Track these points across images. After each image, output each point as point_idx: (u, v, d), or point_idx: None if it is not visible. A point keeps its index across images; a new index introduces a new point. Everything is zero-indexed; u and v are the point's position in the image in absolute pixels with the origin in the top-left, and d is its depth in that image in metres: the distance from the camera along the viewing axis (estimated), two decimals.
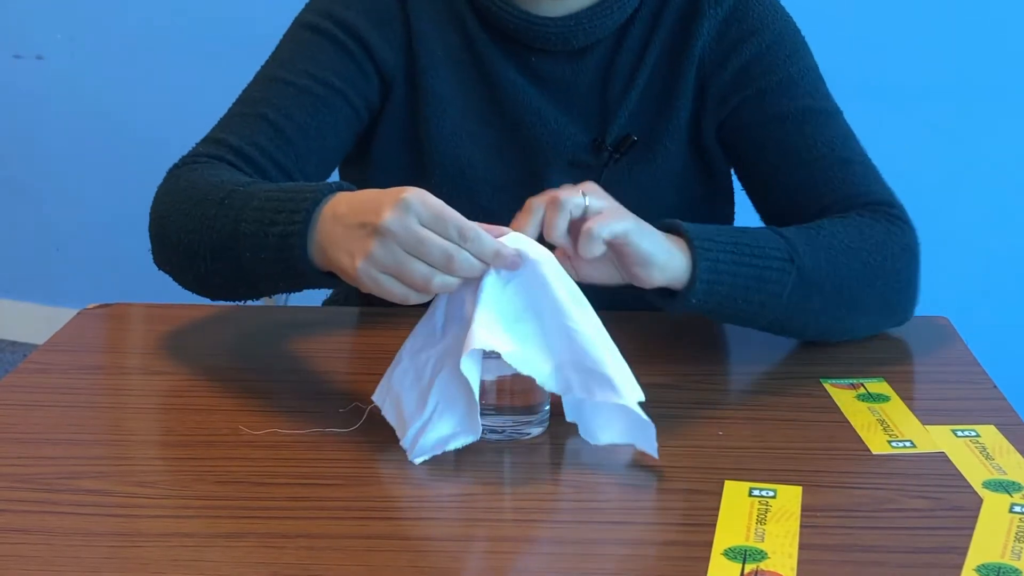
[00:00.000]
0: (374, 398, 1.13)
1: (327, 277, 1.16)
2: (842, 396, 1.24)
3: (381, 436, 1.10)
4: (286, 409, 1.17)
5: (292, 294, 1.42)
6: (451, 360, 1.09)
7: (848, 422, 1.18)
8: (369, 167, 1.47)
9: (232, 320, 1.43)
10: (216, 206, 1.22)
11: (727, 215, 1.54)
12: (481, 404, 1.11)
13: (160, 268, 1.31)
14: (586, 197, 1.13)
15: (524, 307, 1.09)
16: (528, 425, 1.14)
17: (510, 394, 1.13)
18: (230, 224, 1.20)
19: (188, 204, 1.25)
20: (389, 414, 1.12)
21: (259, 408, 1.18)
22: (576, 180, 1.36)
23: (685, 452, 1.11)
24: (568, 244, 1.14)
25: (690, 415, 1.13)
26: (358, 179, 1.48)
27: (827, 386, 1.26)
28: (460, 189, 1.33)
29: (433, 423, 1.07)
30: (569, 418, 1.14)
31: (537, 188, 1.37)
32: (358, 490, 1.05)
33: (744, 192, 1.48)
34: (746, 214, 1.51)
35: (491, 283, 1.08)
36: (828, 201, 1.36)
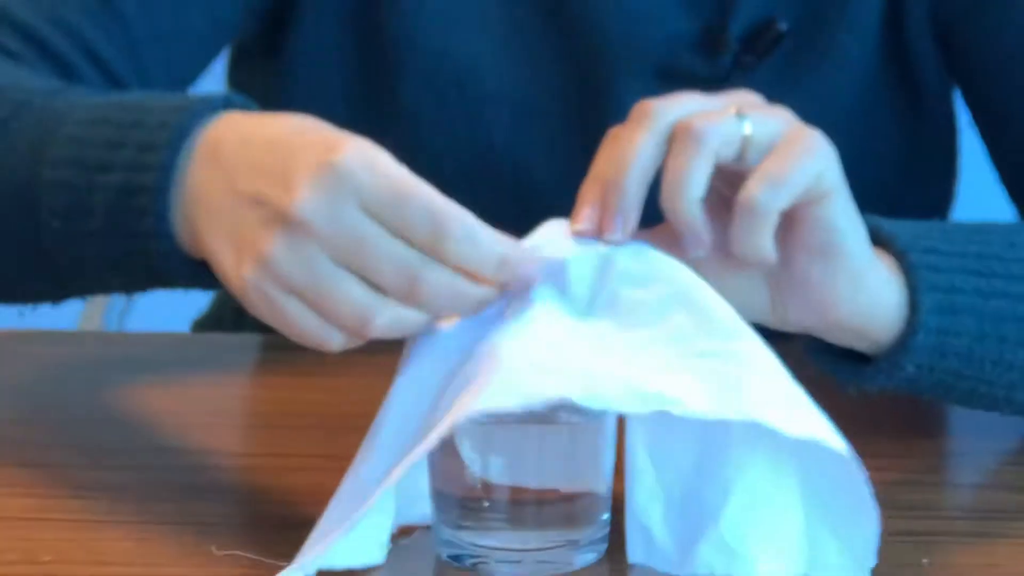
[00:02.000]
0: None
1: (197, 270, 0.86)
2: None
3: None
4: (121, 519, 0.87)
5: (128, 299, 1.23)
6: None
7: None
8: (283, 68, 1.17)
9: (27, 358, 1.15)
10: None
11: (944, 182, 1.22)
12: (486, 510, 0.82)
13: None
14: (745, 121, 0.79)
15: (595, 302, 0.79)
16: (571, 548, 0.81)
17: (538, 491, 0.82)
18: (22, 163, 0.91)
19: None
20: None
21: (75, 517, 0.88)
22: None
23: None
24: (700, 226, 0.81)
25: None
26: (260, 89, 1.17)
27: None
28: (453, 112, 1.06)
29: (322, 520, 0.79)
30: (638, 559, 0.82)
31: (596, 116, 1.08)
32: None
33: (977, 135, 1.16)
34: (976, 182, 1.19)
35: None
36: None
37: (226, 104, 0.85)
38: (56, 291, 0.96)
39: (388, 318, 0.77)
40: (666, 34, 1.10)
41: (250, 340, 1.21)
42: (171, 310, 1.29)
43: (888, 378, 0.86)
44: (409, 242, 0.76)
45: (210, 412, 1.06)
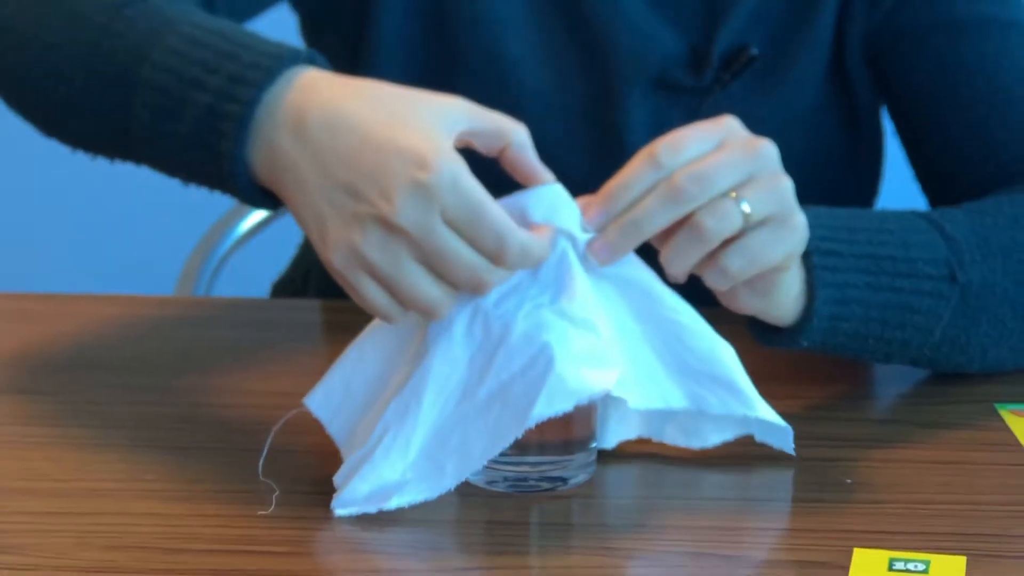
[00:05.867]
0: (307, 401, 0.94)
1: (258, 195, 0.93)
2: None
3: None
4: (210, 446, 0.99)
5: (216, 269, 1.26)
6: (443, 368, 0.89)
7: None
8: (365, 59, 1.21)
9: (133, 318, 1.24)
10: (109, 12, 0.96)
11: (872, 175, 1.29)
12: None
13: None
14: (744, 202, 0.89)
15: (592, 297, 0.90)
16: (566, 469, 0.91)
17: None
18: (127, 53, 0.95)
19: None
20: (337, 430, 0.94)
21: (172, 444, 1.00)
22: (663, 107, 1.17)
23: (798, 509, 0.93)
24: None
25: (805, 456, 0.96)
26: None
27: (1003, 413, 1.05)
28: (497, 102, 1.06)
29: (373, 461, 0.87)
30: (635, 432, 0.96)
31: (606, 114, 1.20)
32: (309, 561, 0.87)
33: (898, 139, 1.25)
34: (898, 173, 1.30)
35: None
36: (1014, 153, 1.14)
37: (309, 59, 0.91)
38: (121, 152, 1.00)
39: (449, 309, 0.87)
40: (662, 52, 1.18)
41: (315, 303, 1.30)
42: (253, 278, 1.38)
43: (787, 346, 0.97)
44: (477, 249, 0.85)
45: (282, 361, 1.16)
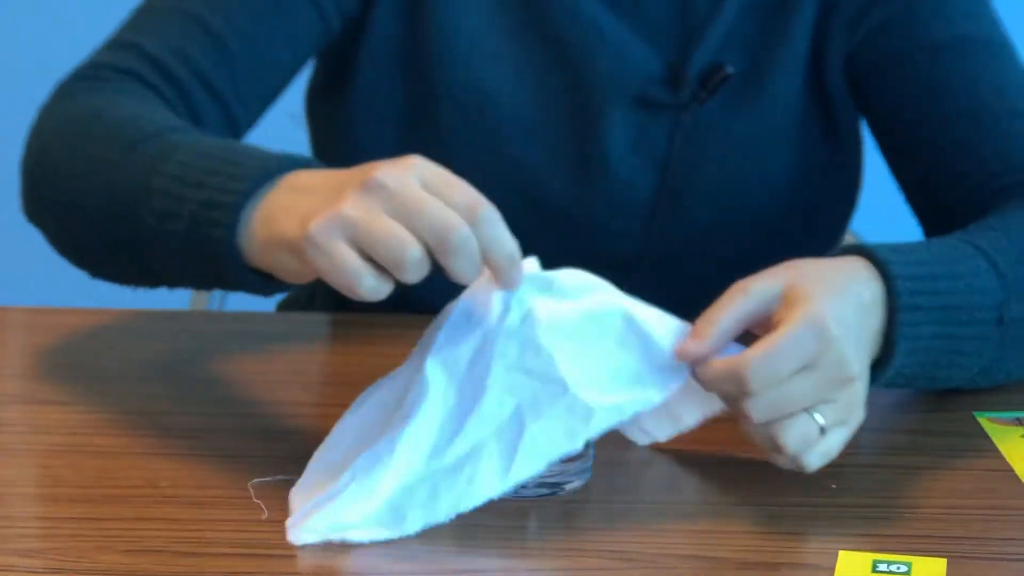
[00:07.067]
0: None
1: (254, 276, 0.95)
2: (1003, 435, 1.05)
3: None
4: (222, 454, 1.00)
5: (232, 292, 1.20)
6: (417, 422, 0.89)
7: (1012, 470, 0.99)
8: (348, 100, 1.21)
9: (149, 332, 1.24)
10: (125, 151, 1.02)
11: (851, 190, 1.31)
12: None
13: (31, 220, 1.12)
14: (817, 414, 0.90)
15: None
16: (563, 476, 0.92)
17: None
18: (139, 176, 0.99)
19: (85, 140, 1.06)
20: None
21: (185, 452, 1.00)
22: (644, 124, 1.17)
23: (785, 512, 0.93)
24: None
25: None
26: (331, 116, 1.23)
27: (982, 421, 1.06)
28: (478, 131, 1.12)
29: (338, 503, 0.88)
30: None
31: (588, 133, 1.21)
32: (318, 564, 0.87)
33: (880, 154, 1.25)
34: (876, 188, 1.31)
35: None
36: (998, 167, 1.15)
37: (306, 163, 0.95)
38: (144, 277, 1.05)
39: (416, 255, 0.84)
40: (641, 72, 1.19)
41: (321, 318, 1.31)
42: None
43: None
44: (453, 206, 0.84)
45: (290, 372, 1.17)
